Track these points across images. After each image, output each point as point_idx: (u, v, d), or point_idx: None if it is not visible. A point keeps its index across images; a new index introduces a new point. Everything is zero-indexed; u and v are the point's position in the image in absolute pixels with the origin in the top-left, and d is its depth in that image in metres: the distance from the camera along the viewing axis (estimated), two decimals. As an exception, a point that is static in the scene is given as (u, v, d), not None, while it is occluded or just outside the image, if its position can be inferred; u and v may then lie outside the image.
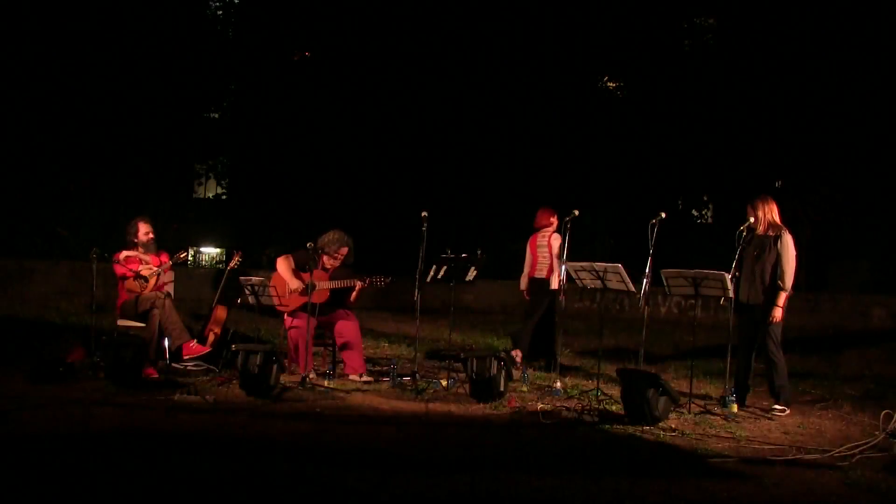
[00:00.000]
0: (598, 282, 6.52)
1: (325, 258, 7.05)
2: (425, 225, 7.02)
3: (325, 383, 6.63)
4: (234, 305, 7.82)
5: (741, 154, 16.98)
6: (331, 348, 7.31)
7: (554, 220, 8.09)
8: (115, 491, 3.96)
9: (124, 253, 7.25)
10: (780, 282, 6.15)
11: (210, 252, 22.39)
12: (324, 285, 6.92)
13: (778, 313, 6.14)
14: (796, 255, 6.25)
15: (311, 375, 6.72)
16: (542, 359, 7.99)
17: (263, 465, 4.43)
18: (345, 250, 7.12)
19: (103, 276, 7.61)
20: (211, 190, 21.65)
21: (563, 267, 6.96)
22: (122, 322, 7.25)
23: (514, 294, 13.94)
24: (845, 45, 16.18)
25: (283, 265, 7.12)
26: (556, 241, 7.92)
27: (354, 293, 7.06)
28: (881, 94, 16.01)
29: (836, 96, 16.17)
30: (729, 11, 18.50)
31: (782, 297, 6.15)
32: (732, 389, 6.28)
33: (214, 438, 5.01)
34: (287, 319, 7.07)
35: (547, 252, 8.01)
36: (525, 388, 6.87)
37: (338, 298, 7.12)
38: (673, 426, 5.56)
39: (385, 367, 7.53)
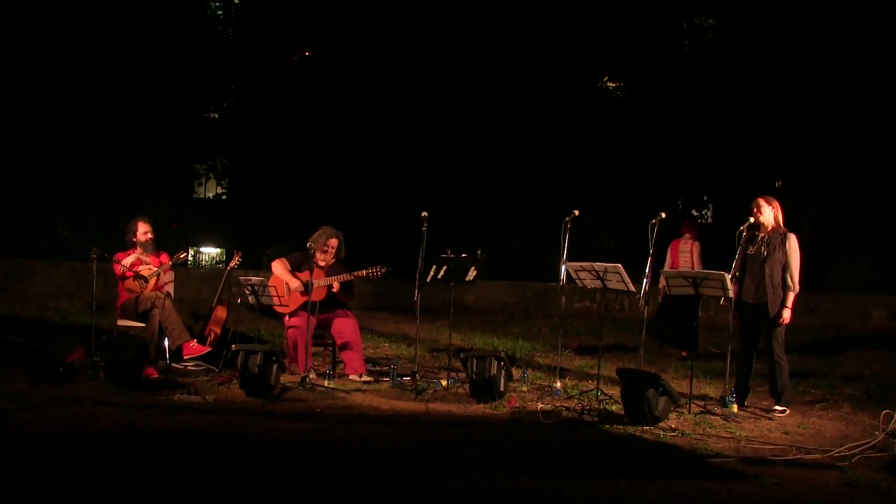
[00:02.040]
0: (598, 282, 6.51)
1: (318, 255, 7.06)
2: (425, 225, 7.02)
3: (325, 383, 6.63)
4: (234, 305, 7.82)
5: (741, 154, 16.97)
6: (330, 348, 7.31)
7: (695, 230, 9.33)
8: (115, 491, 3.96)
9: (128, 259, 7.23)
10: (789, 282, 6.16)
11: (210, 252, 22.37)
12: (322, 282, 6.92)
13: (788, 314, 6.16)
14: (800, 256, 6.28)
15: (311, 375, 6.72)
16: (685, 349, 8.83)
17: (263, 465, 4.43)
18: (333, 241, 7.13)
19: (103, 276, 7.61)
20: (211, 190, 21.63)
21: (564, 267, 6.96)
22: (122, 322, 7.25)
23: (515, 294, 14.04)
24: (846, 44, 16.18)
25: (278, 267, 7.13)
26: (696, 247, 9.11)
27: (347, 277, 7.02)
28: (881, 93, 16.00)
29: (837, 96, 16.16)
30: (729, 11, 18.50)
31: (791, 298, 6.17)
32: (732, 389, 6.27)
33: (214, 438, 5.02)
34: (286, 319, 7.07)
35: (689, 256, 9.07)
36: (525, 388, 6.87)
37: (336, 297, 7.12)
38: (673, 426, 5.57)
39: (385, 367, 7.52)
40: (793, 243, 6.22)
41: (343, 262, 7.25)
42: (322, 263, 7.09)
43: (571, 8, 18.00)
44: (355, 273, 6.99)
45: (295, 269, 7.11)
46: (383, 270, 6.95)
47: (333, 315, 7.06)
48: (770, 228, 6.29)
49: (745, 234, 6.31)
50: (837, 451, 4.99)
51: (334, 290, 6.98)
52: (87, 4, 17.16)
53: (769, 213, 6.29)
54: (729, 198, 17.34)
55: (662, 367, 8.13)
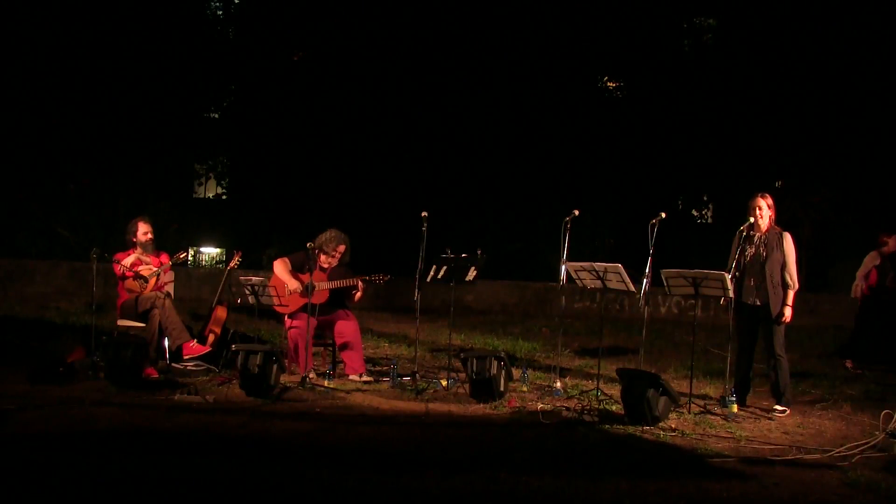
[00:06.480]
0: (598, 282, 6.52)
1: (322, 257, 7.05)
2: (425, 225, 7.02)
3: (325, 383, 6.63)
4: (234, 305, 7.82)
5: (741, 154, 16.98)
6: (331, 348, 7.31)
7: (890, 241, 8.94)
8: (115, 491, 3.96)
9: (128, 259, 7.23)
10: (789, 281, 6.18)
11: (210, 252, 22.38)
12: (323, 285, 6.92)
13: (789, 312, 6.17)
14: (796, 256, 6.30)
15: (311, 375, 6.72)
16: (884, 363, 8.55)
17: (263, 465, 4.43)
18: (342, 248, 7.12)
19: (103, 276, 7.62)
20: (211, 190, 21.64)
21: (564, 267, 6.96)
22: (122, 322, 7.25)
23: (515, 294, 14.04)
24: (846, 45, 16.19)
25: (280, 267, 7.11)
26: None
27: (358, 293, 7.05)
28: (881, 94, 16.01)
29: (837, 96, 16.17)
30: (729, 11, 18.52)
31: (791, 296, 6.19)
32: (732, 389, 6.27)
33: (214, 438, 5.02)
34: (287, 320, 7.07)
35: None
36: (525, 388, 6.87)
37: (337, 298, 7.12)
38: (673, 426, 5.57)
39: (385, 367, 7.52)
40: (789, 241, 6.26)
41: (347, 266, 7.24)
42: (325, 266, 7.08)
43: (571, 8, 18.01)
44: (357, 280, 6.98)
45: (297, 270, 7.10)
46: (386, 278, 6.97)
47: (334, 316, 7.06)
48: (766, 228, 6.31)
49: (744, 233, 6.31)
50: (837, 451, 4.99)
51: (358, 292, 7.01)
52: (88, 4, 17.16)
53: (767, 213, 6.31)
54: (729, 198, 17.37)
55: (662, 367, 8.13)
